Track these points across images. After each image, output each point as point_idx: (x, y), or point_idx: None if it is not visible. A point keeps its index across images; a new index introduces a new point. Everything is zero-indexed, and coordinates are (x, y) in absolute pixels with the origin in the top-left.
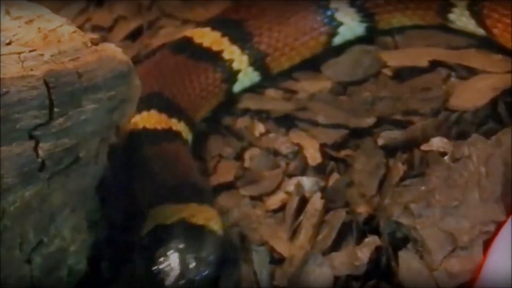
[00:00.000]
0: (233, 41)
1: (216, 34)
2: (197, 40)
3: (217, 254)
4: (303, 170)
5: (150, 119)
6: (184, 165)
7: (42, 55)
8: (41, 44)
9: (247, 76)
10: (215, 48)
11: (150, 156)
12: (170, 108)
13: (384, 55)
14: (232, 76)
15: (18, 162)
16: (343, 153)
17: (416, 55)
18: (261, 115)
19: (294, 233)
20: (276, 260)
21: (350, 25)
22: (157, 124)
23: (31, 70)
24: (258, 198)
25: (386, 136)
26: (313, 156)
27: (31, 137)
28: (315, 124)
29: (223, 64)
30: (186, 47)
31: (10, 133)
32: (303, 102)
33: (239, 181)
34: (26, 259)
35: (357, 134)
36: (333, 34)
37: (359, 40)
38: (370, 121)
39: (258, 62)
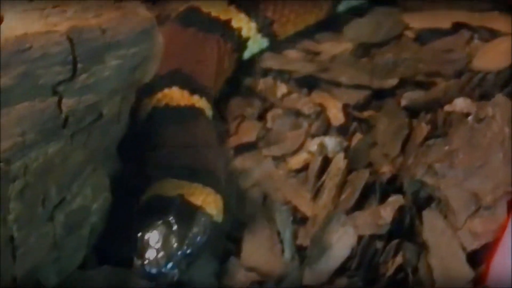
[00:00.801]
0: (241, 8)
1: (223, 3)
2: (205, 9)
3: (203, 239)
4: (326, 130)
5: (172, 96)
6: (205, 145)
7: (65, 11)
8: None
9: (256, 43)
10: (223, 17)
11: (173, 133)
12: (190, 84)
13: (407, 17)
14: (241, 44)
15: (41, 118)
16: (365, 114)
17: (439, 18)
18: (283, 75)
19: (317, 193)
20: (299, 219)
21: None
22: (180, 101)
23: (55, 26)
24: (280, 158)
25: (409, 96)
26: (336, 116)
27: (54, 93)
28: (338, 84)
29: (233, 33)
30: (195, 18)
31: (33, 89)
32: (325, 63)
33: (261, 141)
34: (48, 217)
35: (379, 95)
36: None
37: (379, 2)
38: (392, 82)
39: (265, 29)
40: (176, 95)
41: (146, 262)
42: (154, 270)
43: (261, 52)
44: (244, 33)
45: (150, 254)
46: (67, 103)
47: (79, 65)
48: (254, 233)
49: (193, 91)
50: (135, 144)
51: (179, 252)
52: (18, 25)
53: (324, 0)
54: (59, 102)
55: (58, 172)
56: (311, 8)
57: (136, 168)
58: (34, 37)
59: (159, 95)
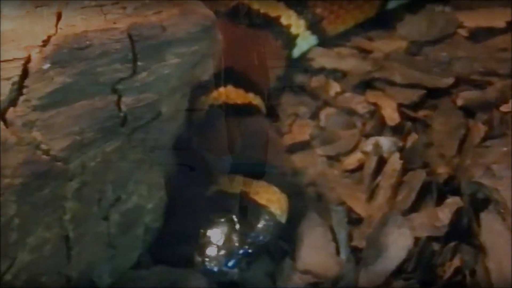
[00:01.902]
0: (290, 5)
1: None
2: (254, 6)
3: (266, 238)
4: (380, 130)
5: (229, 95)
6: (267, 143)
7: (124, 7)
8: None
9: (305, 41)
10: (272, 14)
11: (235, 130)
12: (244, 83)
13: (460, 15)
14: (291, 41)
15: (100, 116)
16: (420, 113)
17: (492, 16)
18: (336, 74)
19: (372, 194)
20: (354, 220)
21: None
22: (237, 99)
23: (114, 23)
24: (335, 158)
25: (465, 96)
26: (391, 116)
27: (113, 91)
28: (392, 83)
29: (282, 30)
30: (244, 15)
31: (93, 86)
32: (378, 61)
33: (315, 140)
34: (103, 216)
35: (434, 94)
36: None
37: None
38: (448, 81)
39: (315, 26)
40: (232, 93)
41: (207, 259)
42: (215, 268)
43: (310, 49)
44: (293, 30)
45: (212, 251)
46: (126, 101)
47: (139, 63)
48: (308, 234)
49: (247, 89)
50: (191, 142)
51: (241, 251)
52: (77, 22)
53: None
54: (118, 101)
55: (115, 170)
56: (361, 5)
57: (193, 166)
58: (93, 35)
59: (215, 93)
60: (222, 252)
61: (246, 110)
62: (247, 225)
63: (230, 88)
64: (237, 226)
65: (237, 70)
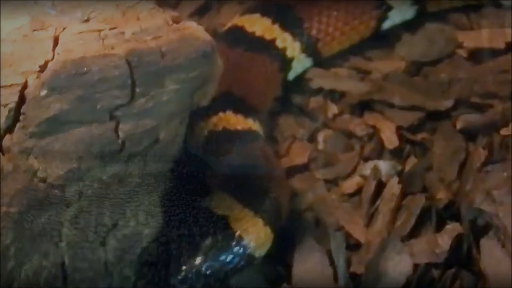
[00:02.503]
0: (284, 28)
1: (267, 21)
2: (249, 29)
3: (231, 268)
4: (379, 153)
5: (228, 120)
6: (267, 171)
7: (123, 33)
8: (120, 21)
9: (300, 63)
10: (267, 36)
11: (235, 156)
12: (243, 108)
13: (460, 35)
14: (286, 64)
15: (98, 143)
16: (419, 136)
17: (492, 36)
18: (334, 95)
19: (371, 218)
20: (353, 245)
21: (401, 9)
22: (237, 125)
23: (112, 48)
24: (333, 182)
25: (465, 119)
26: (390, 139)
27: (111, 117)
28: (391, 105)
29: (278, 53)
30: (239, 38)
31: (91, 113)
32: (377, 82)
33: (313, 163)
34: (100, 242)
35: (434, 116)
36: (383, 18)
37: (434, 19)
38: (447, 103)
39: (310, 48)
40: (231, 119)
41: (169, 275)
42: (170, 280)
43: (306, 71)
44: (289, 53)
45: (173, 264)
46: (125, 127)
47: (138, 89)
48: (306, 259)
49: (246, 115)
50: (189, 167)
51: (193, 270)
52: (75, 47)
53: (369, 18)
54: (116, 127)
55: (112, 197)
56: (355, 26)
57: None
58: (92, 60)
59: (215, 118)
60: (176, 266)
61: (248, 136)
62: (215, 251)
63: (229, 113)
64: (202, 246)
65: (235, 95)
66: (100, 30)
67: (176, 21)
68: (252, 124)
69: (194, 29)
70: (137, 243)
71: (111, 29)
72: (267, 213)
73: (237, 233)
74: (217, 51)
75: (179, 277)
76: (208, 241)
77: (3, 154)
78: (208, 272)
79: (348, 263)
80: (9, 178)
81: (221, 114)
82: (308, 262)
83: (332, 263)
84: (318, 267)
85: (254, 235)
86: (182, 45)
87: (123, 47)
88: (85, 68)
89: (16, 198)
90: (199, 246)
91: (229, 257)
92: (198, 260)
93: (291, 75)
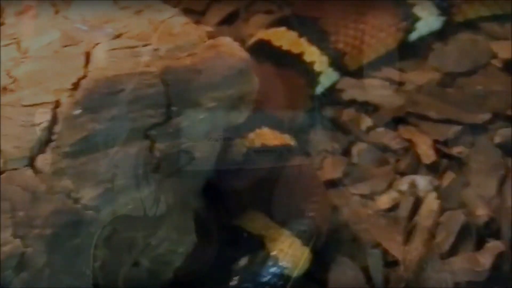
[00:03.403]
0: (312, 41)
1: (293, 35)
2: (276, 42)
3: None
4: (415, 167)
5: (266, 136)
6: (307, 191)
7: (157, 49)
8: (152, 36)
9: (327, 78)
10: (295, 50)
11: (278, 173)
12: (277, 123)
13: (494, 45)
14: (314, 78)
15: (133, 163)
16: (456, 150)
17: None
18: (367, 107)
19: (408, 235)
20: (390, 263)
21: (428, 20)
22: (275, 141)
23: (147, 66)
24: (368, 197)
25: (503, 133)
26: (426, 153)
27: (146, 137)
28: (426, 118)
29: (306, 67)
30: (266, 52)
31: (125, 133)
32: (411, 94)
33: (348, 178)
34: (133, 263)
35: (470, 130)
36: (410, 29)
37: (465, 28)
38: (484, 116)
39: (337, 62)
40: (269, 135)
41: None
42: None
43: (332, 85)
44: (317, 67)
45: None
46: (160, 147)
47: (173, 108)
48: (341, 277)
49: (282, 130)
50: (225, 184)
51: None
52: (108, 64)
53: (396, 30)
54: (151, 147)
55: (146, 216)
56: (383, 39)
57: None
58: (126, 79)
59: (252, 135)
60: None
61: (286, 151)
62: (251, 271)
63: (265, 129)
64: (240, 271)
65: (267, 111)
66: (133, 47)
67: (210, 36)
68: (289, 139)
69: (230, 45)
70: (171, 264)
71: (144, 45)
72: (306, 233)
73: (273, 254)
74: (253, 69)
75: None
76: (243, 262)
77: (36, 175)
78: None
79: (386, 282)
80: (42, 200)
81: (257, 130)
82: (344, 280)
83: (368, 281)
84: (354, 285)
85: (291, 256)
86: (218, 62)
87: (158, 64)
88: (119, 87)
89: (50, 220)
90: (234, 267)
91: (265, 278)
92: (233, 281)
93: (319, 90)
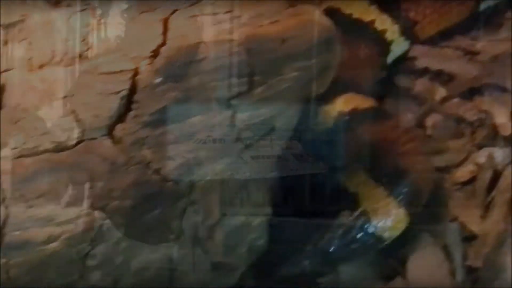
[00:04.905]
0: (383, 9)
1: (364, 2)
2: (346, 10)
3: (353, 246)
4: (492, 139)
5: (355, 101)
6: (407, 152)
7: (239, 17)
8: (233, 3)
9: (398, 47)
10: (365, 18)
11: (372, 132)
12: (358, 89)
13: None
14: (386, 47)
15: (214, 133)
16: None
17: None
18: (441, 77)
19: (486, 209)
20: (468, 237)
21: None
22: (365, 104)
23: (229, 33)
24: (444, 170)
25: None
26: (504, 125)
27: (228, 106)
28: (503, 89)
29: (377, 35)
30: (338, 20)
31: (207, 102)
32: (486, 65)
33: (423, 149)
34: (207, 236)
35: None
36: None
37: None
38: None
39: (408, 31)
40: (357, 99)
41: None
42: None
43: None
44: (388, 36)
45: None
46: (241, 117)
47: (256, 78)
48: (420, 252)
49: (365, 96)
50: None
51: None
52: (189, 32)
53: None
54: (233, 117)
55: (222, 188)
56: (455, 7)
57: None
58: (208, 47)
59: (340, 100)
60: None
61: (376, 113)
62: (343, 228)
63: (352, 94)
64: (335, 227)
65: (347, 78)
66: (214, 14)
67: (292, 4)
68: (374, 102)
69: (313, 13)
70: (244, 236)
71: (226, 12)
72: (402, 194)
73: (365, 211)
74: (337, 37)
75: (306, 255)
76: (336, 219)
77: (115, 145)
78: (332, 250)
79: (464, 256)
80: (121, 171)
81: (344, 95)
82: (423, 256)
83: (448, 257)
84: (434, 261)
85: (384, 216)
86: (301, 31)
87: (240, 32)
88: (201, 55)
89: (129, 192)
90: (327, 223)
91: (355, 236)
92: (324, 238)
93: (390, 59)
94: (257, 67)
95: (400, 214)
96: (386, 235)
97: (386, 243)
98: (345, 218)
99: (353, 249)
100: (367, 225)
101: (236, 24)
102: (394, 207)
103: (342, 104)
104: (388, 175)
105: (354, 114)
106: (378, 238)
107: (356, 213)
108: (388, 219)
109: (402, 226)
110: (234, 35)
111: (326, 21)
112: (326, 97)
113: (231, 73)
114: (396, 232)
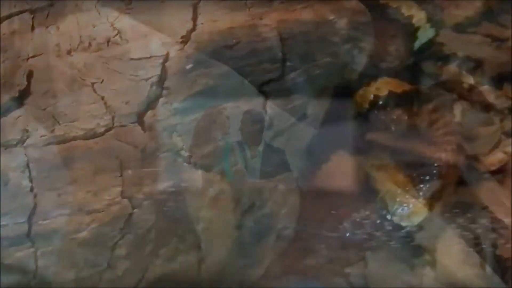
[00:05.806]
0: None
1: None
2: None
3: (368, 231)
4: None
5: (391, 84)
6: (441, 139)
7: (271, 0)
8: None
9: (424, 34)
10: (392, 4)
11: (409, 115)
12: (390, 72)
13: None
14: (413, 33)
15: (245, 119)
16: None
17: None
18: (469, 63)
19: None
20: (498, 227)
21: None
22: (402, 87)
23: (261, 18)
24: (473, 158)
25: None
26: None
27: (261, 92)
28: None
29: (404, 21)
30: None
31: (239, 88)
32: None
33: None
34: (236, 224)
35: None
36: None
37: None
38: None
39: (434, 17)
40: (392, 83)
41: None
42: None
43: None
44: (415, 21)
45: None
46: (273, 103)
47: (288, 63)
48: (449, 242)
49: (400, 78)
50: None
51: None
52: (219, 16)
53: None
54: (265, 103)
55: (252, 176)
56: None
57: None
58: (240, 32)
59: (376, 84)
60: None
61: (413, 96)
62: (364, 216)
63: (387, 78)
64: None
65: (378, 61)
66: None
67: None
68: (408, 87)
69: None
70: (273, 225)
71: None
72: (423, 184)
73: (382, 196)
74: (371, 22)
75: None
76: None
77: (145, 132)
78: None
79: (494, 246)
80: (151, 158)
81: (380, 79)
82: (452, 246)
83: (477, 245)
84: (463, 251)
85: (402, 203)
86: (335, 16)
87: (272, 17)
88: (233, 40)
89: (159, 179)
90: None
91: (372, 221)
92: (346, 227)
93: (416, 45)
94: (289, 52)
95: (420, 205)
96: (404, 223)
97: (404, 231)
98: (363, 204)
99: (370, 235)
100: (384, 212)
101: (267, 9)
102: (413, 196)
103: (378, 88)
104: (412, 162)
105: (390, 98)
106: (395, 226)
107: (377, 200)
108: (405, 207)
109: (420, 215)
110: (267, 20)
111: (359, 6)
112: (360, 82)
113: (264, 58)
114: (414, 221)
